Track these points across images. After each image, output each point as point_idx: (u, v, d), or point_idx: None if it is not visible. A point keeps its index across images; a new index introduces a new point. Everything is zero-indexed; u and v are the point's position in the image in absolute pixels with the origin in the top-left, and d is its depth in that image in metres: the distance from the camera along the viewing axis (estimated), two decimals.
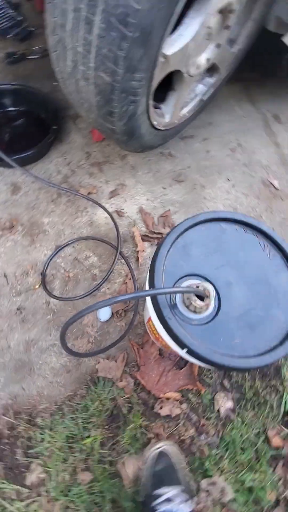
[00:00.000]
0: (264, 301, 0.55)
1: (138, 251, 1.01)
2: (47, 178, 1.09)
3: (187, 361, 0.88)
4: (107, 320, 0.90)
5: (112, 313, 0.92)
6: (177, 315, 0.51)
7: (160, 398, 0.82)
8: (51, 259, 0.96)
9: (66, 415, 0.78)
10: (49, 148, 1.13)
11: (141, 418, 0.80)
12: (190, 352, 0.49)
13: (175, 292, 0.44)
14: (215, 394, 0.85)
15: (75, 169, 1.14)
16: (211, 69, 0.83)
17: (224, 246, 0.59)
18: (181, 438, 0.79)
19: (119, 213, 1.07)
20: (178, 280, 0.56)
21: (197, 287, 0.49)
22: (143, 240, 1.03)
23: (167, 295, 0.52)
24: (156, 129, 0.77)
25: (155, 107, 0.72)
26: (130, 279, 0.97)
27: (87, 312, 0.42)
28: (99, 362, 0.85)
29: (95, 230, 1.03)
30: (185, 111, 0.89)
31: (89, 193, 1.09)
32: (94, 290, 0.93)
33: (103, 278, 0.93)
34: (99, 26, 0.45)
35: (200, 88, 0.88)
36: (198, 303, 0.49)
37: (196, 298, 0.49)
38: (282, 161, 1.31)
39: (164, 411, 0.81)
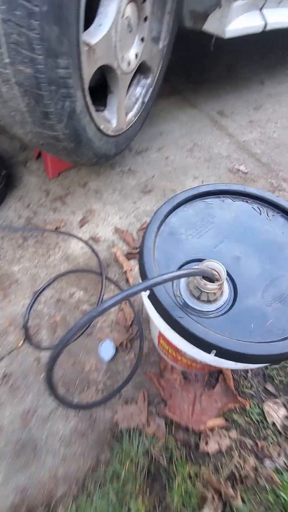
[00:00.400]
0: (285, 265, 0.45)
1: (125, 271, 0.91)
2: (7, 225, 1.00)
3: (218, 375, 0.74)
4: (112, 358, 0.76)
5: (116, 348, 0.78)
6: (189, 312, 0.40)
7: (201, 431, 0.67)
8: (31, 308, 0.83)
9: (94, 492, 0.61)
10: (3, 196, 1.06)
11: (187, 464, 0.63)
12: (220, 352, 0.38)
13: (176, 277, 0.34)
14: (262, 405, 0.71)
15: (36, 209, 1.06)
16: (144, 69, 0.82)
17: (216, 221, 0.51)
18: (242, 474, 0.62)
19: (95, 239, 0.99)
20: (182, 265, 0.46)
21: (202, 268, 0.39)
22: (128, 258, 0.94)
23: (170, 291, 0.42)
24: (105, 134, 0.72)
25: (98, 110, 0.68)
26: (126, 303, 0.85)
27: (71, 335, 0.31)
28: (116, 412, 0.69)
29: (73, 264, 0.93)
30: (131, 115, 0.87)
31: (56, 227, 1.00)
32: (87, 327, 0.80)
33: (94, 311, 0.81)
34: (0, 9, 0.40)
35: (139, 90, 0.87)
36: (210, 286, 0.38)
37: (205, 281, 0.39)
38: (240, 148, 1.31)
39: (211, 447, 0.65)
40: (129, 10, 0.60)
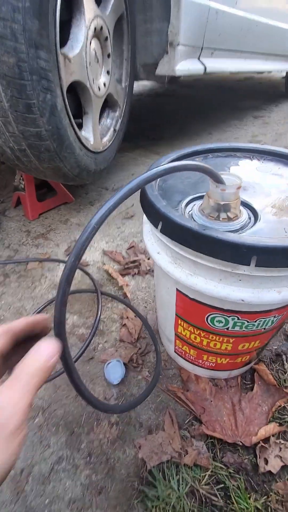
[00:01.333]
0: None
1: (121, 286, 0.83)
2: None
3: (252, 375, 0.62)
4: (122, 380, 0.62)
5: (126, 366, 0.64)
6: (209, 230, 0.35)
7: (254, 445, 0.51)
8: None
9: None
10: None
11: (250, 496, 0.46)
12: (263, 255, 0.31)
13: (193, 168, 0.30)
14: None
15: (17, 248, 1.01)
16: (112, 104, 0.93)
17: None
18: None
19: (83, 263, 0.92)
20: (187, 204, 0.41)
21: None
22: (122, 275, 0.87)
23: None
24: (85, 147, 0.75)
25: (78, 126, 0.72)
26: (127, 317, 0.74)
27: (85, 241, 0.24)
28: (140, 447, 0.52)
29: None
30: (105, 140, 0.94)
31: (40, 261, 0.94)
32: (85, 349, 0.67)
33: (92, 330, 0.69)
34: None
35: (109, 121, 0.97)
36: (228, 190, 0.34)
37: (222, 186, 0.34)
38: None
39: (274, 465, 0.49)
40: (94, 44, 0.72)
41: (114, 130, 0.98)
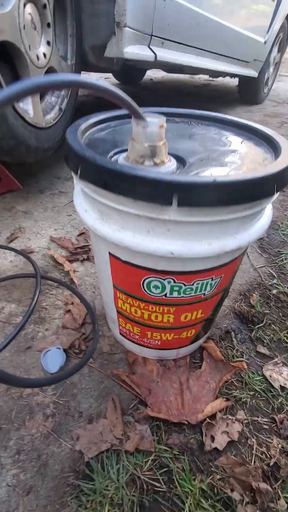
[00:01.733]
0: (212, 147, 0.42)
1: (68, 271, 0.77)
2: None
3: (201, 353, 0.59)
4: (61, 368, 0.56)
5: (67, 353, 0.58)
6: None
7: (201, 423, 0.48)
8: None
9: None
10: None
11: (195, 477, 0.42)
12: (186, 194, 0.28)
13: (93, 87, 0.26)
14: (262, 371, 0.56)
15: None
16: None
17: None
18: (271, 464, 0.44)
19: (27, 251, 0.85)
20: (113, 155, 0.38)
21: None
22: (70, 261, 0.81)
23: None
24: (21, 117, 0.69)
25: None
26: (72, 303, 0.69)
27: None
28: (78, 438, 0.47)
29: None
30: (49, 117, 0.88)
31: None
32: (15, 335, 0.60)
33: (25, 316, 0.62)
34: None
35: (54, 99, 0.92)
36: (151, 128, 0.31)
37: (143, 123, 0.31)
38: None
39: (220, 441, 0.46)
40: (30, 8, 0.67)
41: (60, 109, 0.93)
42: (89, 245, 0.87)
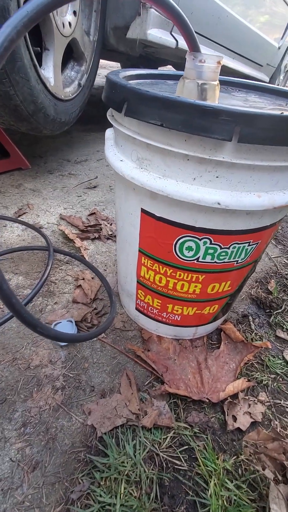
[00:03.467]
0: None
1: (79, 248, 0.74)
2: None
3: (219, 335, 0.57)
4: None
5: (78, 326, 0.55)
6: None
7: (222, 402, 0.45)
8: None
9: None
10: None
11: (218, 456, 0.39)
12: (250, 126, 0.26)
13: None
14: (282, 355, 0.54)
15: None
16: (77, 56, 0.86)
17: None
18: None
19: (36, 225, 0.81)
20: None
21: None
22: (80, 239, 0.78)
23: None
24: (44, 85, 0.66)
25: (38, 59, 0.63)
26: (83, 279, 0.65)
27: None
28: (90, 412, 0.43)
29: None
30: (68, 90, 0.85)
31: None
32: (25, 304, 0.57)
33: (36, 286, 0.59)
34: None
35: (74, 74, 0.89)
36: (209, 63, 0.29)
37: (200, 55, 0.29)
38: None
39: (243, 421, 0.43)
40: None
41: (79, 84, 0.90)
42: (100, 224, 0.84)
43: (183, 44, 1.12)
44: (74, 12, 0.78)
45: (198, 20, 1.15)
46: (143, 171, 0.34)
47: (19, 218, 0.84)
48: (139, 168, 0.34)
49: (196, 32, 1.19)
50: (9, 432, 0.41)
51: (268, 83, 2.22)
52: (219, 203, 0.31)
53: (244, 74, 1.82)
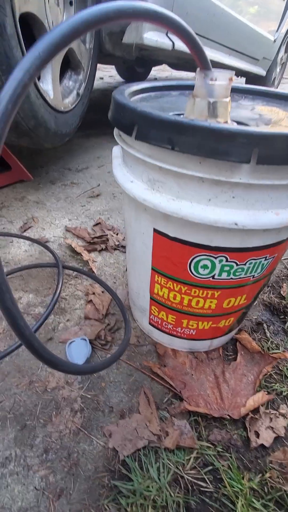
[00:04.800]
0: None
1: (87, 261, 0.73)
2: None
3: (234, 346, 0.56)
4: (87, 360, 0.52)
5: (92, 344, 0.55)
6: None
7: (243, 418, 0.44)
8: None
9: None
10: None
11: (244, 475, 0.39)
12: (269, 146, 0.25)
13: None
14: None
15: None
16: (74, 65, 0.85)
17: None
18: None
19: (42, 239, 0.81)
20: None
21: None
22: (87, 251, 0.77)
23: None
24: (43, 99, 0.66)
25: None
26: (93, 293, 0.65)
27: None
28: (111, 434, 0.43)
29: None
30: (67, 101, 0.85)
31: None
32: (39, 326, 0.56)
33: (49, 304, 0.58)
34: None
35: (72, 84, 0.88)
36: (220, 81, 0.28)
37: (211, 73, 0.28)
38: None
39: (266, 437, 0.42)
40: None
41: (78, 94, 0.89)
42: (106, 235, 0.83)
43: (179, 45, 1.10)
44: None
45: (193, 20, 1.13)
46: (155, 193, 0.33)
47: (24, 233, 0.83)
48: (151, 190, 0.33)
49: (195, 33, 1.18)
50: (31, 460, 0.41)
51: (265, 76, 2.20)
52: (236, 224, 0.30)
53: (241, 70, 1.80)
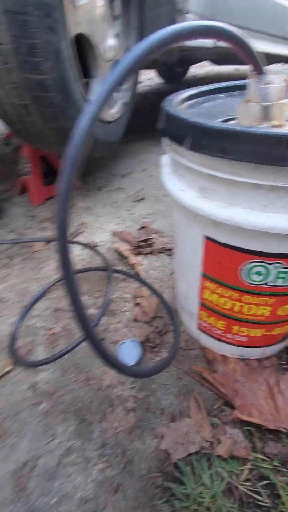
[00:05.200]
0: None
1: (134, 264, 0.75)
2: None
3: None
4: (139, 361, 0.54)
5: (143, 345, 0.56)
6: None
7: None
8: (20, 325, 0.63)
9: None
10: None
11: None
12: None
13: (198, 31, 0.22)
14: None
15: (22, 231, 0.95)
16: None
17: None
18: None
19: (91, 244, 0.86)
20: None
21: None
22: (134, 255, 0.79)
23: None
24: None
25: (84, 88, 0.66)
26: (141, 296, 0.67)
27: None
28: (163, 436, 0.44)
29: None
30: (114, 111, 0.88)
31: (47, 242, 0.87)
32: (95, 326, 0.59)
33: (102, 308, 0.61)
34: None
35: (117, 94, 0.92)
36: (275, 84, 0.27)
37: (265, 77, 0.27)
38: None
39: None
40: (101, 0, 0.67)
41: (125, 103, 0.93)
42: (152, 238, 0.85)
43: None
44: (116, 35, 0.80)
45: (237, 12, 1.09)
46: (206, 200, 0.33)
47: (76, 238, 0.89)
48: (201, 197, 0.33)
49: (235, 25, 1.13)
50: (90, 452, 0.44)
51: None
52: None
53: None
